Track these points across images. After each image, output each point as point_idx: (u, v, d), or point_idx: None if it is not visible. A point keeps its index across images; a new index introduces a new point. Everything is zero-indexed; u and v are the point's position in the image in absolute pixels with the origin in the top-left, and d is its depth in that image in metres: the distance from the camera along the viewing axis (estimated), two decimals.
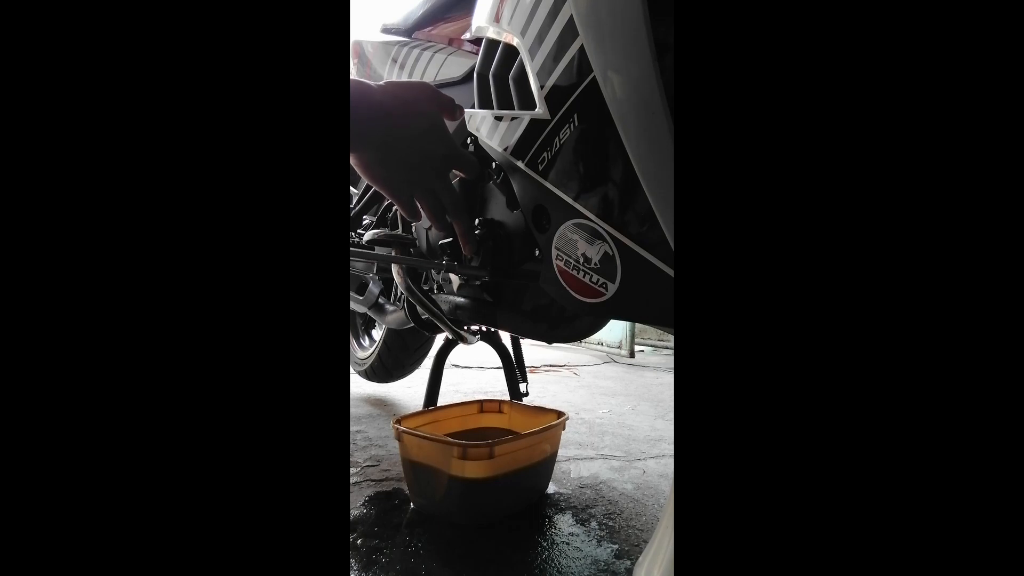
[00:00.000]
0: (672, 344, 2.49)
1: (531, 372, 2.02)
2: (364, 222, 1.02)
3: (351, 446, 1.06)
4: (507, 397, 0.98)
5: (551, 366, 2.27)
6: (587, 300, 0.47)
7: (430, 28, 0.89)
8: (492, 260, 0.62)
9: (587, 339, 1.40)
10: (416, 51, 0.89)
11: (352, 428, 1.18)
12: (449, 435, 0.83)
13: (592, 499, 0.84)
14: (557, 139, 0.46)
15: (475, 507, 0.73)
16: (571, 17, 0.41)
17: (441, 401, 0.95)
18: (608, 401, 1.59)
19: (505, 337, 0.95)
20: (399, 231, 0.86)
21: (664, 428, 1.28)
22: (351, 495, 0.82)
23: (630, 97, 0.37)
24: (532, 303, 0.68)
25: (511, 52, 0.53)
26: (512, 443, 0.73)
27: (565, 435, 1.10)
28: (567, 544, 0.69)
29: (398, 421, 0.79)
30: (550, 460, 0.85)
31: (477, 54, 0.61)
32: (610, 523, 0.76)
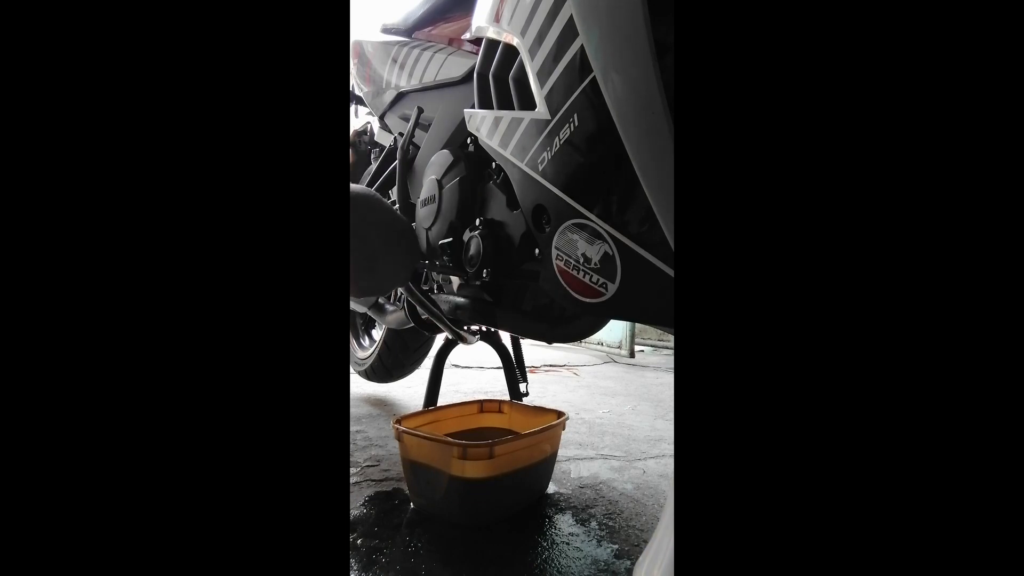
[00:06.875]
0: (672, 344, 2.49)
1: (531, 372, 2.02)
2: None
3: (351, 446, 1.06)
4: (507, 397, 0.98)
5: (551, 366, 2.27)
6: (587, 300, 0.47)
7: (430, 28, 0.89)
8: (492, 260, 0.62)
9: (587, 339, 1.40)
10: (416, 51, 0.89)
11: (352, 428, 1.18)
12: (449, 435, 0.83)
13: (592, 499, 0.84)
14: (557, 139, 0.46)
15: (475, 507, 0.73)
16: (571, 17, 0.41)
17: (441, 401, 0.95)
18: (608, 401, 1.59)
19: (505, 337, 0.95)
20: None
21: (664, 428, 1.28)
22: (351, 495, 0.82)
23: (630, 97, 0.37)
24: (532, 303, 0.68)
25: (511, 52, 0.53)
26: (512, 443, 0.73)
27: (565, 435, 1.10)
28: (567, 544, 0.69)
29: (398, 421, 0.79)
30: (550, 460, 0.85)
31: (477, 54, 0.61)
32: (610, 523, 0.76)
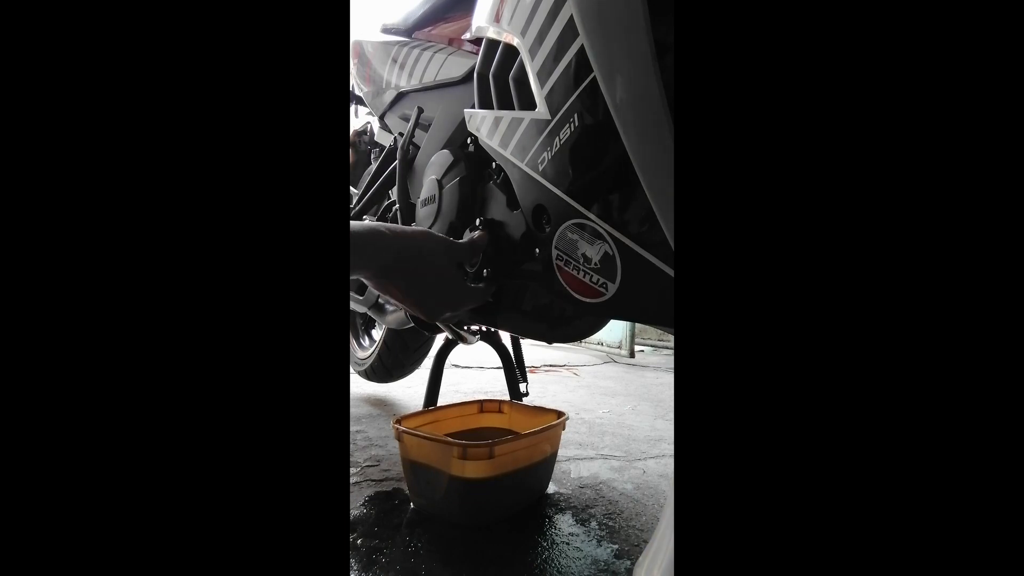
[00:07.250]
0: (672, 344, 2.49)
1: (531, 372, 2.02)
2: (364, 222, 1.02)
3: (351, 446, 1.06)
4: (507, 397, 0.98)
5: (551, 366, 2.27)
6: (587, 300, 0.47)
7: (430, 28, 0.89)
8: (492, 260, 0.62)
9: (587, 339, 1.40)
10: (416, 51, 0.89)
11: (352, 428, 1.18)
12: (449, 435, 0.83)
13: (592, 499, 0.84)
14: (557, 139, 0.46)
15: (475, 507, 0.73)
16: (571, 17, 0.40)
17: (441, 401, 0.95)
18: (608, 401, 1.59)
19: (505, 337, 0.95)
20: None
21: (664, 428, 1.28)
22: (351, 495, 0.82)
23: (630, 97, 0.37)
24: (532, 303, 0.68)
25: (511, 52, 0.53)
26: (512, 443, 0.73)
27: (565, 435, 1.10)
28: (567, 544, 0.69)
29: (398, 421, 0.79)
30: (550, 460, 0.85)
31: (477, 54, 0.61)
32: (610, 523, 0.76)
